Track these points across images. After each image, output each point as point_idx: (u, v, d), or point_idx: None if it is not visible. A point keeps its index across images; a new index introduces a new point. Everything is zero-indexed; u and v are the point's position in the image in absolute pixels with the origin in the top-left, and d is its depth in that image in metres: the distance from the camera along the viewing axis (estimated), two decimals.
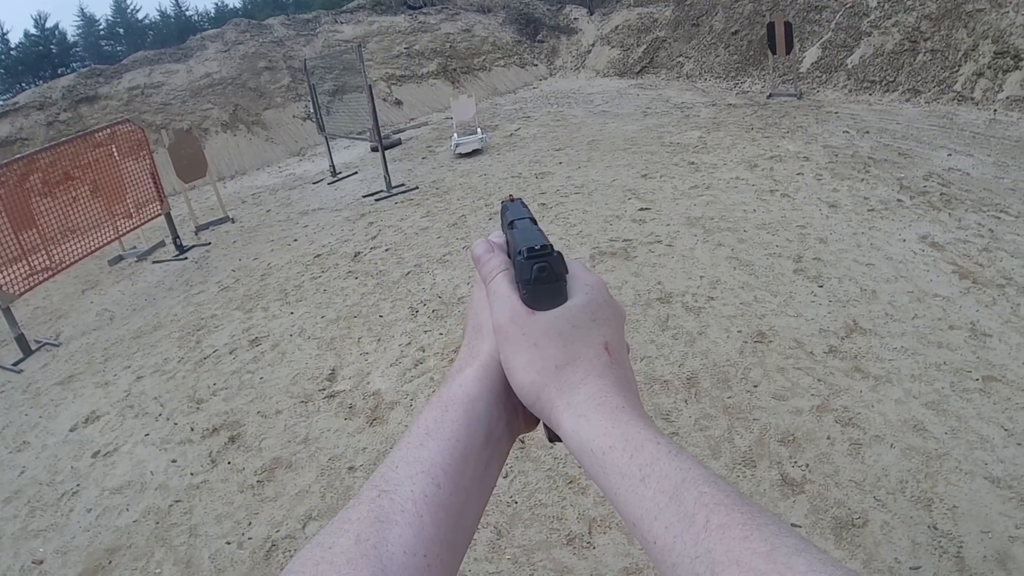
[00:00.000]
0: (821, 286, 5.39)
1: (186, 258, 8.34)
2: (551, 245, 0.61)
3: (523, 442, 3.86)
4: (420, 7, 21.19)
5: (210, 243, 8.81)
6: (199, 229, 9.32)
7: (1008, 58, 12.84)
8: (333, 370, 4.94)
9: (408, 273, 6.47)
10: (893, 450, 3.58)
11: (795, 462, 3.55)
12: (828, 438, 3.69)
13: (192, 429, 4.49)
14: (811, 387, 4.14)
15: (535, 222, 0.70)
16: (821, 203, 7.25)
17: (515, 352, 0.58)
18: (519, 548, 3.16)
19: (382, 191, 9.65)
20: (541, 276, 0.59)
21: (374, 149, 12.88)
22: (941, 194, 7.47)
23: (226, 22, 19.16)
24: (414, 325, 5.40)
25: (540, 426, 0.62)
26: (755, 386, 4.18)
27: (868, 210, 6.98)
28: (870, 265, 5.73)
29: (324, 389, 4.72)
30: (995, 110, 12.29)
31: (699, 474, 0.46)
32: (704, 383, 4.24)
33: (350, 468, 3.86)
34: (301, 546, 3.32)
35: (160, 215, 8.46)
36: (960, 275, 5.56)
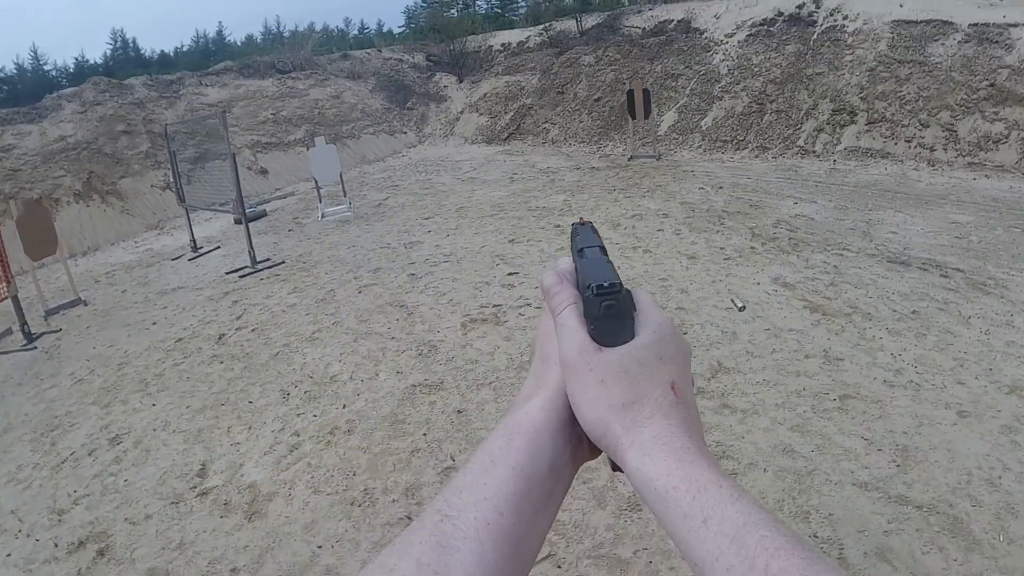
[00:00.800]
0: (685, 333, 5.69)
1: (35, 347, 7.73)
2: (620, 283, 0.62)
3: (410, 520, 3.81)
4: (289, 71, 20.98)
5: (61, 329, 8.22)
6: (49, 313, 8.73)
7: (844, 114, 14.20)
8: (203, 465, 4.71)
9: (277, 354, 6.31)
10: (767, 474, 3.88)
11: None
12: None
13: (56, 544, 4.15)
14: None
15: (605, 251, 0.72)
16: (681, 256, 7.73)
17: (582, 388, 0.59)
18: None
19: (247, 267, 9.37)
20: (609, 313, 0.60)
21: (238, 222, 12.50)
22: (789, 239, 8.09)
23: (85, 80, 18.30)
24: (286, 409, 5.27)
25: (605, 455, 0.62)
26: None
27: (724, 259, 7.52)
28: (729, 309, 6.17)
29: (195, 486, 4.49)
30: (834, 160, 13.53)
31: (760, 518, 0.47)
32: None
33: (232, 570, 3.69)
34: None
35: (7, 298, 7.95)
36: (811, 309, 6.14)
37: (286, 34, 34.47)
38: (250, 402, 5.48)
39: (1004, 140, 12.57)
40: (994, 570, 3.22)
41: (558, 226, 9.65)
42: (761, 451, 4.08)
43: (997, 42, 13.91)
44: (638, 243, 8.36)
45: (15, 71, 52.80)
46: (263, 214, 13.21)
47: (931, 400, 4.67)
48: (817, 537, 3.35)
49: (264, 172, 16.50)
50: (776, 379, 4.93)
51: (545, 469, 0.58)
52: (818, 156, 13.96)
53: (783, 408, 4.54)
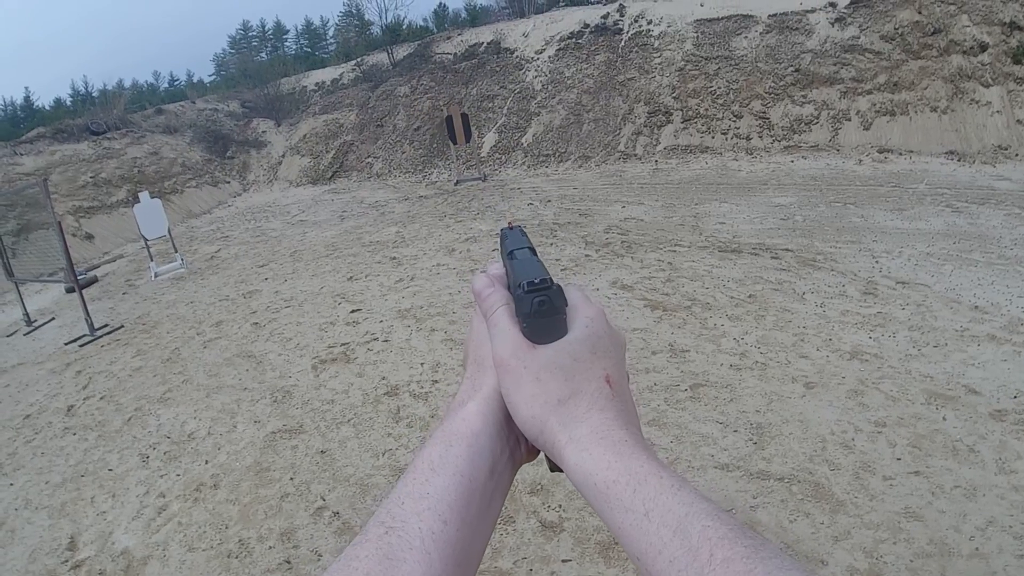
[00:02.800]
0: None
1: None
2: (551, 278, 0.62)
3: (290, 563, 4.01)
4: (103, 132, 20.11)
5: None
6: None
7: (660, 115, 15.21)
8: (72, 538, 4.64)
9: (130, 419, 6.23)
10: None
11: (548, 506, 3.98)
12: None
13: None
14: None
15: (535, 252, 0.73)
16: None
17: (517, 386, 0.59)
18: None
19: (85, 335, 9.17)
20: (540, 310, 0.60)
21: (69, 290, 12.09)
22: (622, 242, 8.60)
23: None
24: (148, 472, 5.22)
25: (542, 455, 0.62)
26: None
27: (562, 269, 7.85)
28: None
29: (67, 560, 4.42)
30: (656, 160, 14.40)
31: (703, 508, 0.47)
32: None
33: None
34: None
35: None
36: (651, 307, 6.53)
37: (95, 94, 32.81)
38: (110, 470, 5.40)
39: (815, 121, 13.86)
40: (860, 526, 3.50)
41: (394, 258, 9.93)
42: None
43: (797, 29, 15.31)
44: (475, 265, 8.63)
45: None
46: (94, 280, 12.78)
47: (778, 377, 5.10)
48: None
49: (90, 237, 15.85)
50: (629, 377, 5.21)
51: (485, 473, 0.58)
52: (640, 158, 14.76)
53: (637, 405, 4.53)
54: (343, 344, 6.99)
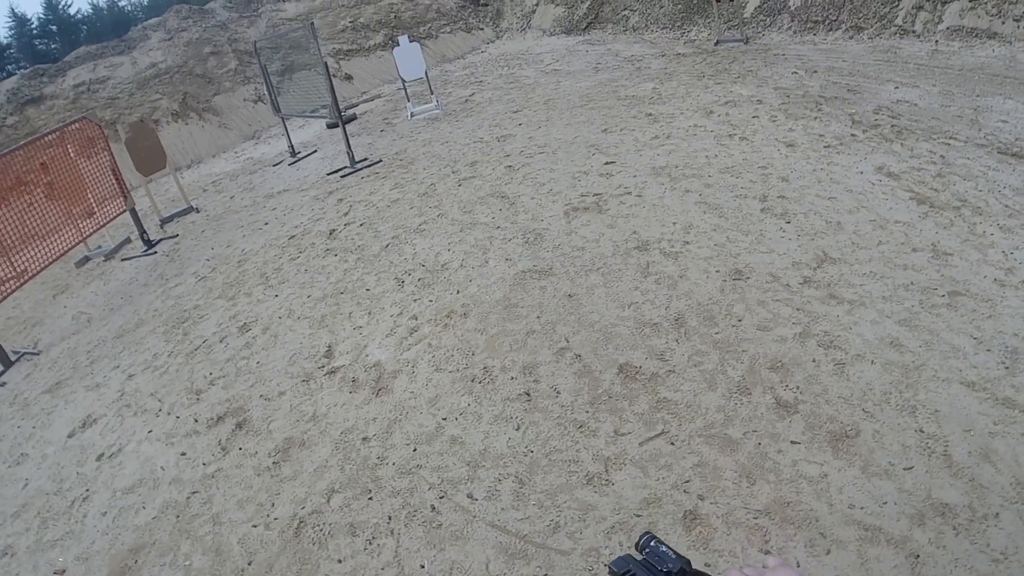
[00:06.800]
0: (789, 222, 5.53)
1: (156, 252, 8.16)
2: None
3: (529, 395, 3.94)
4: None
5: (178, 235, 8.63)
6: (164, 222, 9.14)
7: None
8: (329, 347, 4.92)
9: (387, 245, 6.44)
10: (874, 366, 3.78)
11: (786, 386, 3.72)
12: (813, 361, 3.88)
13: (196, 420, 4.46)
14: (791, 316, 4.32)
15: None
16: (779, 143, 7.37)
17: None
18: (542, 493, 3.25)
19: (346, 167, 9.54)
20: None
21: (331, 126, 12.72)
22: (892, 126, 7.62)
23: (164, 10, 18.60)
24: (402, 295, 5.41)
25: None
26: (739, 320, 4.35)
27: (824, 146, 7.13)
28: (832, 199, 5.89)
29: (323, 366, 4.70)
30: (936, 41, 12.53)
31: None
32: (691, 322, 4.39)
33: (364, 439, 3.89)
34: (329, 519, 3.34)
35: (125, 211, 8.32)
36: (918, 201, 5.77)
37: None
38: (367, 290, 5.64)
39: None
40: None
41: (649, 114, 9.34)
42: (868, 343, 3.99)
43: None
44: (734, 130, 8.04)
45: (91, 11, 53.77)
46: (354, 117, 13.28)
47: None
48: (923, 432, 3.29)
49: (349, 78, 16.53)
50: (883, 271, 4.75)
51: None
52: (918, 36, 12.99)
53: (890, 301, 4.39)
54: (595, 194, 6.72)
